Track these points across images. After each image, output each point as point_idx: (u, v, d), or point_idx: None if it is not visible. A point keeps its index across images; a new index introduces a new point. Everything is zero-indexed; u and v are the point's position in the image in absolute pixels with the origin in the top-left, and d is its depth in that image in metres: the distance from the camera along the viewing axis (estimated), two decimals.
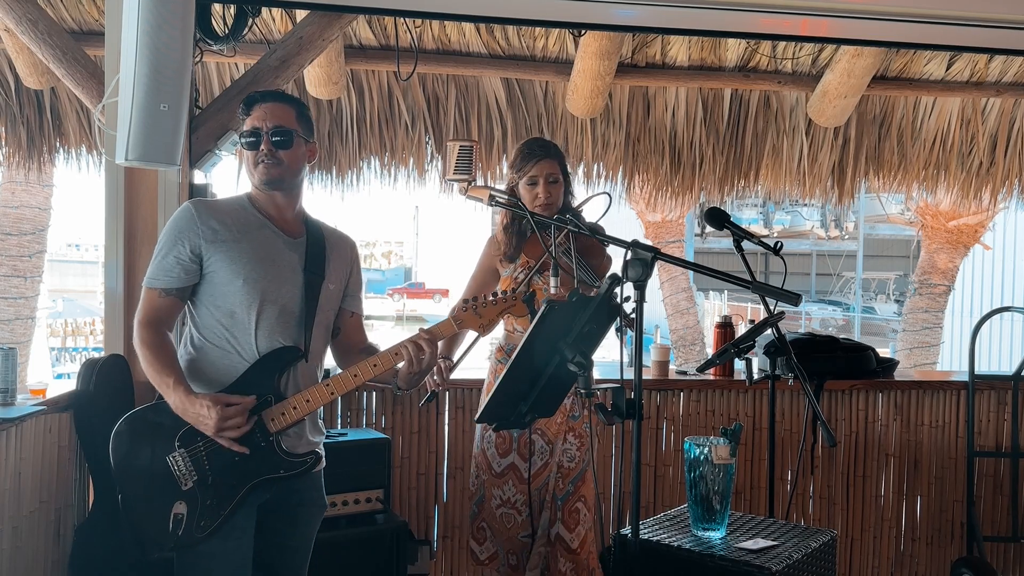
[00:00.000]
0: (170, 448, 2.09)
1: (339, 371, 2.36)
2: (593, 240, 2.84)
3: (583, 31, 3.75)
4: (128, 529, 2.12)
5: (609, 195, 2.83)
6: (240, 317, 2.16)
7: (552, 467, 2.89)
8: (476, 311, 2.32)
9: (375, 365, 2.22)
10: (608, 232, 2.81)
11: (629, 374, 2.02)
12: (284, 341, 2.18)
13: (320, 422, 2.36)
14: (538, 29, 3.97)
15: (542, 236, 2.77)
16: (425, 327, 2.28)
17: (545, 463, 2.89)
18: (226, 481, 2.11)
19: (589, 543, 2.93)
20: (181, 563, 2.16)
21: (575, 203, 2.98)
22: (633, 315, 2.60)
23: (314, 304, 2.24)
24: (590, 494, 2.91)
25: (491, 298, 2.34)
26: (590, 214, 2.97)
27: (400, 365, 2.25)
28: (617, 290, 2.00)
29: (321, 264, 2.26)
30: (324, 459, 2.34)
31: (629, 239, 2.05)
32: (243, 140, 2.20)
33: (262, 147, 2.18)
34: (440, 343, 2.38)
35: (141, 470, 2.10)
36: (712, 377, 3.82)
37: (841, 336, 5.07)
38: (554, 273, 2.66)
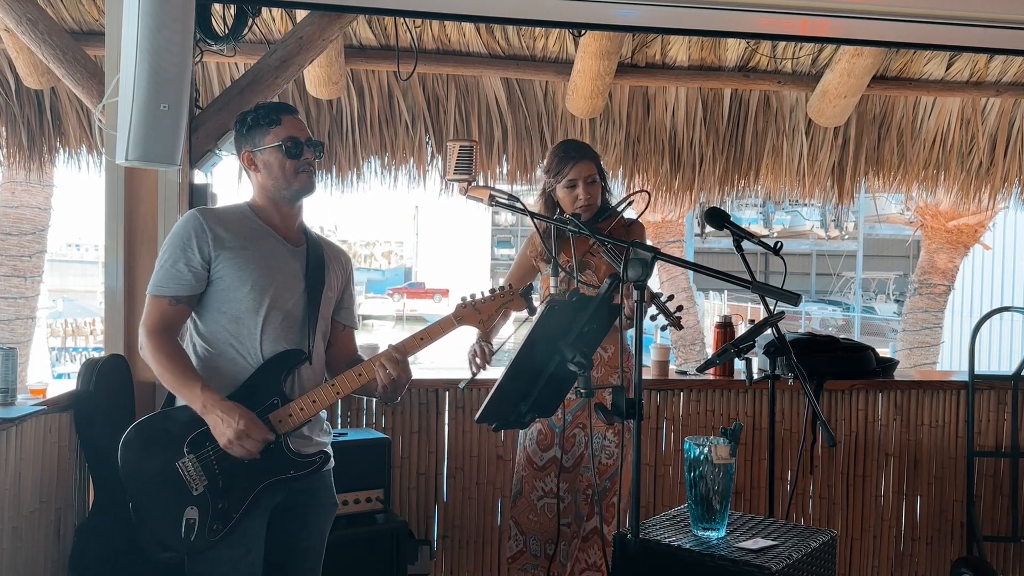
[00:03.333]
0: (179, 454, 2.10)
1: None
2: (632, 231, 2.96)
3: (583, 31, 3.75)
4: (140, 535, 2.13)
5: (648, 192, 2.83)
6: (246, 322, 2.18)
7: (587, 459, 2.93)
8: (475, 308, 2.37)
9: (380, 365, 2.25)
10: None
11: None
12: (288, 346, 2.21)
13: (326, 424, 2.38)
14: (538, 29, 3.97)
15: (547, 245, 2.83)
16: (426, 324, 2.32)
17: (580, 454, 2.95)
18: (237, 484, 2.12)
19: None
20: (191, 569, 2.17)
21: (613, 201, 3.03)
22: (677, 313, 2.76)
23: (316, 310, 2.27)
24: (626, 490, 2.94)
25: (488, 294, 2.39)
26: (624, 211, 3.04)
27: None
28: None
29: (322, 272, 2.30)
30: (332, 458, 2.36)
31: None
32: (281, 148, 2.21)
33: (305, 156, 2.23)
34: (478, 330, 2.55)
35: (151, 477, 2.10)
36: (712, 377, 3.82)
37: (841, 336, 5.08)
38: (554, 273, 2.68)
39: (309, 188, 2.27)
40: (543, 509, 2.96)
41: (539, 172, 4.51)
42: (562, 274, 2.97)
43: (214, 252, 2.16)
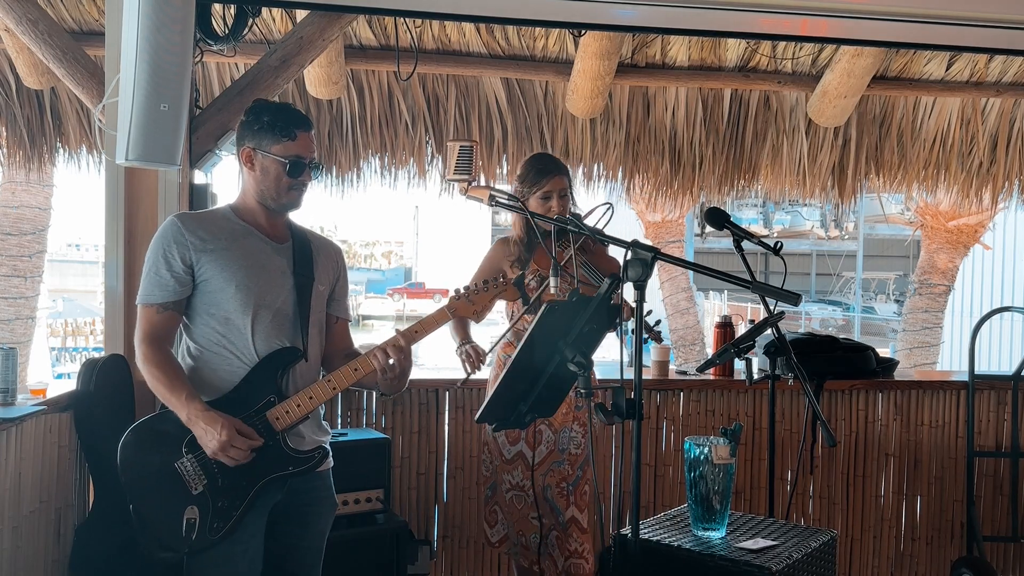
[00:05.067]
0: (178, 455, 2.10)
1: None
2: (601, 247, 3.10)
3: (583, 31, 3.75)
4: (141, 536, 2.13)
5: (611, 205, 2.90)
6: (236, 323, 2.18)
7: (556, 455, 3.04)
8: (469, 299, 2.38)
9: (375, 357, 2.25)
10: (608, 232, 2.88)
11: (629, 374, 2.03)
12: (281, 343, 2.21)
13: (324, 423, 2.38)
14: (538, 29, 3.97)
15: (547, 245, 2.88)
16: (421, 317, 2.33)
17: (550, 451, 3.04)
18: (236, 482, 2.13)
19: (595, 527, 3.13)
20: (191, 568, 2.17)
21: (576, 211, 3.11)
22: (656, 327, 2.91)
23: (307, 305, 2.27)
24: (597, 478, 3.12)
25: (482, 285, 2.40)
26: (590, 222, 3.11)
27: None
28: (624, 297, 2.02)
29: (309, 266, 2.31)
30: (331, 457, 2.36)
31: (629, 239, 2.06)
32: (285, 163, 2.21)
33: (303, 177, 2.25)
34: (455, 329, 2.76)
35: (150, 478, 2.11)
36: (712, 377, 3.82)
37: (841, 336, 5.09)
38: (554, 273, 2.69)
39: (295, 205, 2.30)
40: (511, 500, 3.06)
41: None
42: (533, 280, 3.06)
43: (195, 256, 2.17)
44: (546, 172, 3.00)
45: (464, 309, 2.38)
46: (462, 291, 2.39)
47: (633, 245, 2.01)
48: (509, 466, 3.05)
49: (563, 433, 3.04)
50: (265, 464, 2.16)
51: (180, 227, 2.18)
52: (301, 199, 2.29)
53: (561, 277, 2.96)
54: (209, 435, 2.06)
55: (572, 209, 3.09)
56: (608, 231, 2.88)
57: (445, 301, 2.41)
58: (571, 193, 3.07)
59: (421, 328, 2.32)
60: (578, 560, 3.03)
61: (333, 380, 2.23)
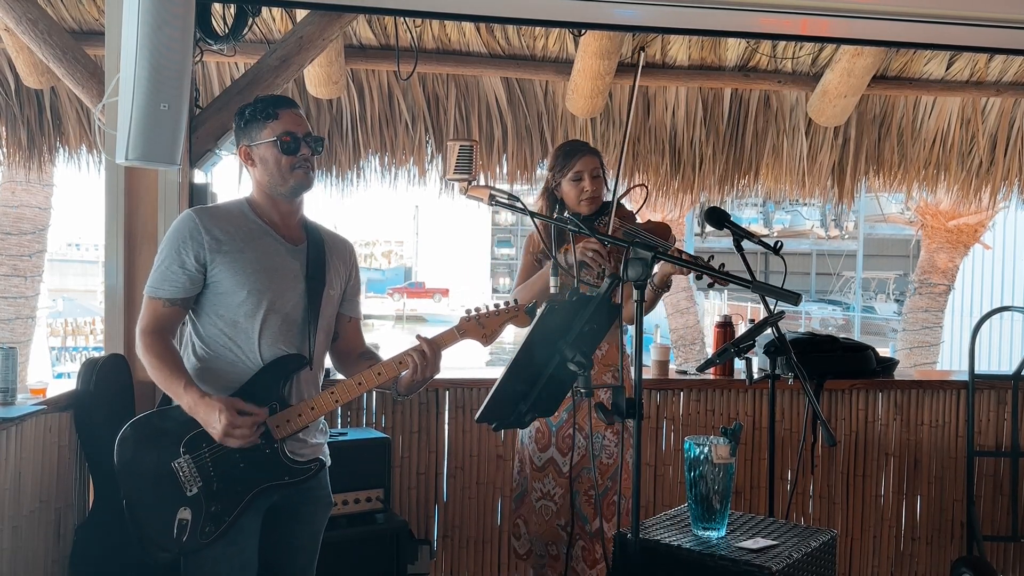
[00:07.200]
0: (175, 454, 2.09)
1: (336, 375, 2.36)
2: (658, 225, 3.02)
3: (583, 31, 3.75)
4: (132, 533, 2.13)
5: (646, 186, 2.83)
6: (244, 326, 2.16)
7: (587, 460, 2.93)
8: (479, 321, 2.31)
9: (379, 374, 2.22)
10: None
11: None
12: (287, 349, 2.19)
13: (323, 424, 2.37)
14: (538, 29, 3.97)
15: (547, 242, 2.82)
16: (427, 336, 2.28)
17: (582, 457, 2.95)
18: (231, 488, 2.11)
19: None
20: (187, 566, 2.17)
21: (609, 196, 3.06)
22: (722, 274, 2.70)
23: (316, 311, 2.24)
24: (627, 488, 2.93)
25: (493, 308, 2.34)
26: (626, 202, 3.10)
27: (404, 373, 2.25)
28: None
29: (322, 271, 2.27)
30: (329, 458, 2.35)
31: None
32: (277, 143, 2.16)
33: (302, 152, 2.19)
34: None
35: (145, 475, 2.10)
36: (712, 377, 3.82)
37: (841, 336, 5.09)
38: (554, 272, 2.67)
39: (306, 185, 2.23)
40: (541, 510, 2.98)
41: (540, 172, 4.54)
42: (561, 273, 2.98)
43: (210, 256, 2.14)
44: (575, 152, 2.96)
45: (474, 331, 2.31)
46: (473, 313, 2.32)
47: (633, 244, 2.01)
48: (540, 474, 2.96)
49: (595, 439, 2.94)
50: (261, 472, 2.14)
51: (197, 223, 2.15)
52: (309, 178, 2.22)
53: (583, 269, 2.91)
54: (211, 422, 2.05)
55: (605, 194, 3.03)
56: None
57: (455, 320, 2.35)
58: (604, 175, 3.01)
59: (441, 342, 2.27)
60: (605, 567, 2.94)
61: (336, 393, 2.19)
